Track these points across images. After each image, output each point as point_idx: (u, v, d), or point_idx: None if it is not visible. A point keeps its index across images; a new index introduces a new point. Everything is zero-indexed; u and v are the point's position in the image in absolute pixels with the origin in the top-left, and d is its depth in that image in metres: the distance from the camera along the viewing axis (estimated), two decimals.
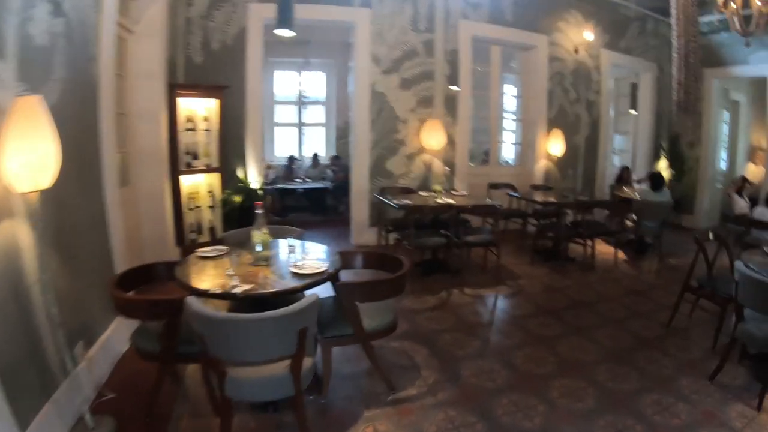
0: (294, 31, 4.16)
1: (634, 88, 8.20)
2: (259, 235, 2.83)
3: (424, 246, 5.08)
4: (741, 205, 7.28)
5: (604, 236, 6.45)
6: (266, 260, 2.85)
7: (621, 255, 6.54)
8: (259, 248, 2.83)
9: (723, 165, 9.63)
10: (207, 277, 2.63)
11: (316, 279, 2.63)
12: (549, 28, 7.42)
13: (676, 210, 8.43)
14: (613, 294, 5.12)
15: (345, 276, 3.17)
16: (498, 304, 4.78)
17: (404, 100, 6.46)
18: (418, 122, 6.52)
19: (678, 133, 9.26)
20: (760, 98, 10.29)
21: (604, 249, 6.50)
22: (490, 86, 7.41)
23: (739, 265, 3.16)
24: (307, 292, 2.43)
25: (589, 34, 7.57)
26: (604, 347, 3.83)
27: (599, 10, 7.88)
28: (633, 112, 8.25)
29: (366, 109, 6.30)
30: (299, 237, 3.62)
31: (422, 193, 5.68)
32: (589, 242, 5.99)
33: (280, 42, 9.12)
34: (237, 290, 2.41)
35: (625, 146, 9.42)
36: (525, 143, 7.80)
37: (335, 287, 2.97)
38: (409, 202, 5.06)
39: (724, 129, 9.41)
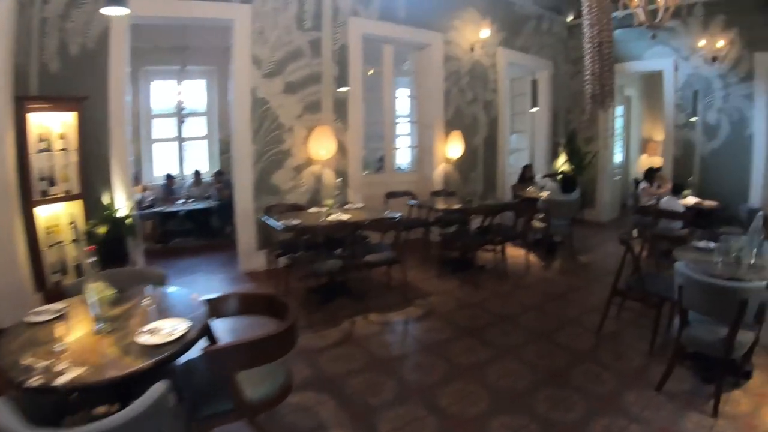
0: (127, 8, 3.27)
1: (535, 84, 7.95)
2: (95, 291, 2.08)
3: (318, 272, 4.37)
4: (651, 190, 7.24)
5: (514, 240, 6.07)
6: (110, 325, 2.11)
7: (532, 257, 6.22)
8: (95, 309, 2.09)
9: (619, 158, 9.75)
10: (29, 357, 1.87)
11: (172, 350, 1.94)
12: (444, 26, 7.00)
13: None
14: (533, 302, 4.74)
15: (220, 327, 2.49)
16: (410, 329, 4.18)
17: (289, 106, 5.72)
18: (306, 130, 5.81)
19: (575, 129, 9.26)
20: (651, 92, 10.70)
21: (513, 252, 6.17)
22: (382, 88, 6.84)
23: (680, 266, 2.96)
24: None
25: (485, 32, 7.25)
26: (538, 368, 3.40)
27: (495, 8, 7.61)
28: (534, 109, 8.03)
29: (246, 117, 5.49)
30: (161, 283, 2.80)
31: (313, 210, 4.97)
32: (499, 248, 5.60)
33: (156, 48, 8.25)
34: (60, 380, 1.69)
35: (524, 145, 9.26)
36: (422, 147, 7.30)
37: (203, 355, 2.19)
38: (296, 222, 4.32)
39: (619, 123, 9.54)
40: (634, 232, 3.94)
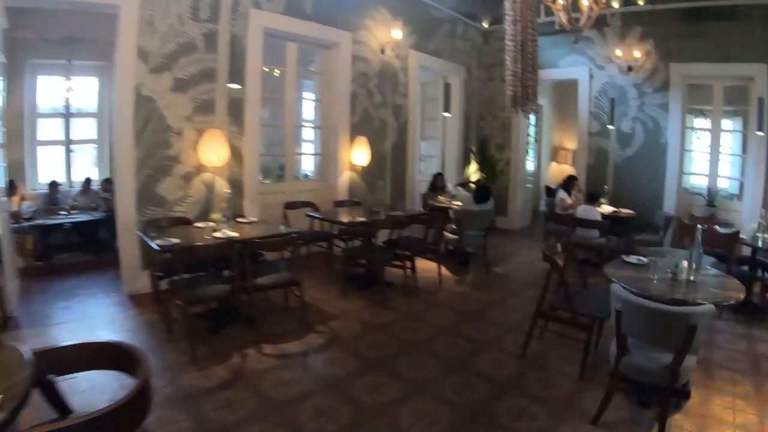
0: None
1: (447, 89, 7.76)
2: None
3: (202, 299, 3.86)
4: (569, 201, 7.20)
5: (425, 253, 5.81)
6: None
7: (444, 270, 5.99)
8: None
9: (531, 166, 9.85)
10: None
11: None
12: (354, 25, 6.66)
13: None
14: (447, 322, 4.43)
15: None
16: (310, 363, 3.69)
17: (178, 106, 5.13)
18: (196, 133, 5.24)
19: (487, 136, 9.24)
20: (562, 101, 10.94)
21: (424, 266, 5.87)
22: (285, 90, 6.39)
23: (617, 289, 2.72)
24: None
25: (397, 33, 6.97)
26: (457, 406, 3.04)
27: (408, 10, 7.36)
28: (446, 114, 7.77)
29: (129, 118, 4.85)
30: None
31: (199, 225, 4.45)
32: (408, 263, 5.31)
33: (42, 40, 7.33)
34: None
35: (435, 152, 9.11)
36: (326, 154, 6.87)
37: None
38: (175, 240, 3.79)
39: (531, 131, 9.61)
40: (558, 246, 3.76)
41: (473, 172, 9.11)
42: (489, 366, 3.61)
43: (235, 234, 4.03)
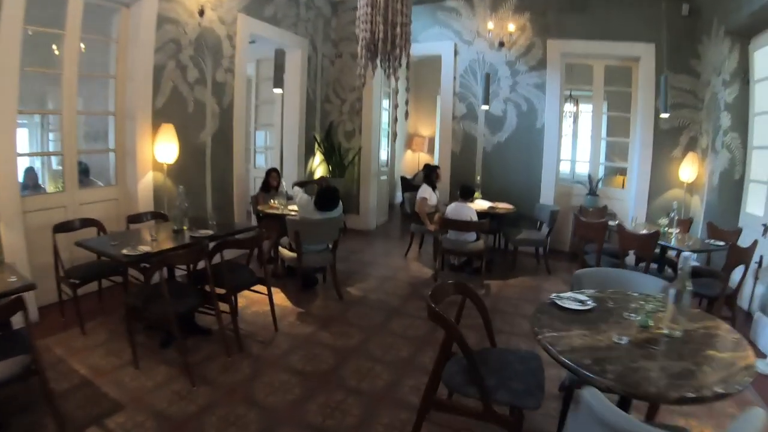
0: None
1: (280, 56, 5.53)
2: None
3: None
4: (433, 201, 6.29)
5: (251, 285, 4.11)
6: None
7: (282, 299, 4.76)
8: None
9: (384, 156, 8.91)
10: None
11: None
12: None
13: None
14: (287, 400, 3.06)
15: None
16: None
17: None
18: None
19: (334, 121, 8.06)
20: (418, 81, 10.09)
21: (253, 297, 4.54)
22: (63, 62, 4.46)
23: (595, 402, 1.60)
24: None
25: None
26: None
27: None
28: (277, 91, 5.79)
29: None
30: None
31: None
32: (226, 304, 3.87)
33: None
34: None
35: (274, 142, 7.72)
36: (121, 149, 5.00)
37: None
38: None
39: (385, 117, 8.66)
40: (452, 289, 2.68)
41: (318, 165, 7.90)
42: None
43: None
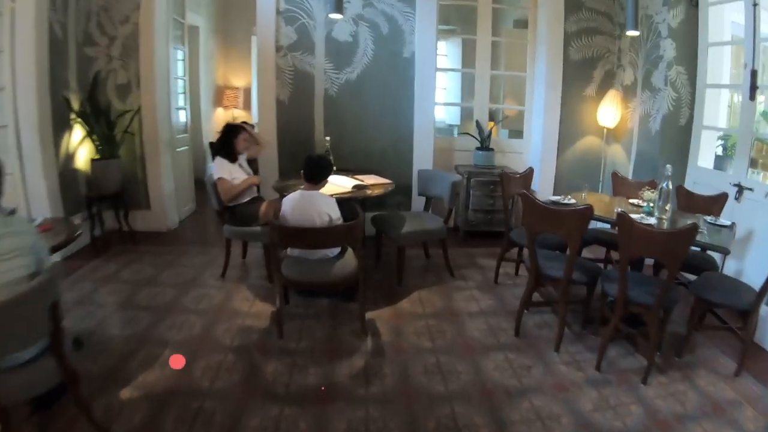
0: None
1: None
2: None
3: None
4: (234, 185, 3.83)
5: None
6: None
7: None
8: None
9: (182, 117, 6.01)
10: None
11: None
12: None
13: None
14: None
15: None
16: None
17: None
18: None
19: (100, 72, 4.95)
20: (226, 17, 7.49)
21: None
22: None
23: None
24: None
25: None
26: None
27: None
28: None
29: None
30: None
31: None
32: None
33: None
34: None
35: (6, 116, 4.34)
36: None
37: None
38: None
39: (181, 67, 5.83)
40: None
41: (80, 143, 4.81)
42: None
43: None
